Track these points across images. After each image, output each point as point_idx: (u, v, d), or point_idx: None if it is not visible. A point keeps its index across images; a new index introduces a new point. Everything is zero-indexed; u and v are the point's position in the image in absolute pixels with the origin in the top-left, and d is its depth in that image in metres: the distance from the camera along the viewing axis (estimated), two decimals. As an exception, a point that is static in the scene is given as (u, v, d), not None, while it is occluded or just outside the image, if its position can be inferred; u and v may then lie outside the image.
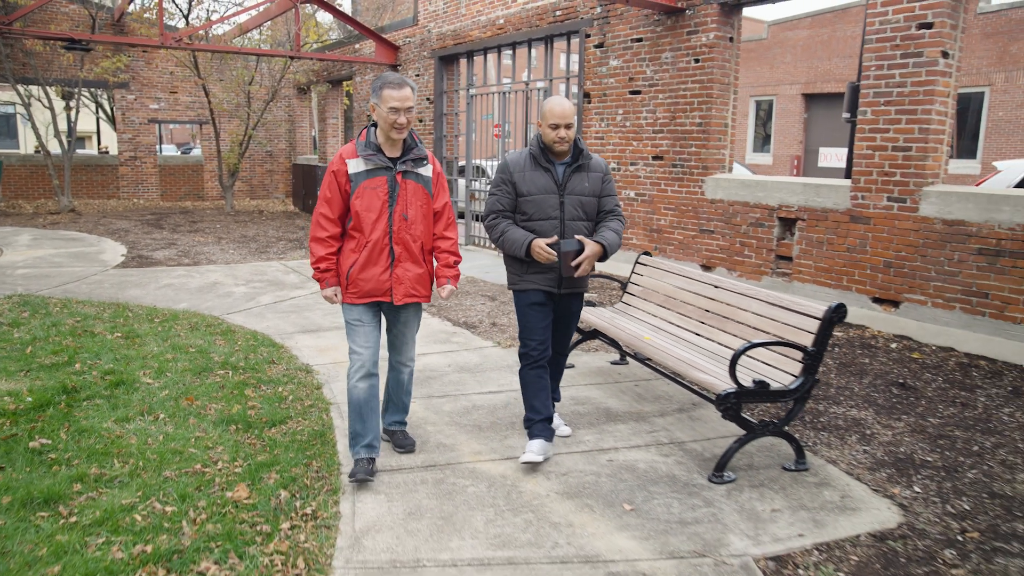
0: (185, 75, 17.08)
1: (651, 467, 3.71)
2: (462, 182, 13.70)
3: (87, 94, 20.91)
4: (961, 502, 3.42)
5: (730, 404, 3.51)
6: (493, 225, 3.72)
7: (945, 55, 5.93)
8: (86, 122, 28.87)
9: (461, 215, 14.32)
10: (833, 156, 21.74)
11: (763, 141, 25.55)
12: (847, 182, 6.65)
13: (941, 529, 3.19)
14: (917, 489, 3.57)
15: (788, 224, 7.13)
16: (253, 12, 13.52)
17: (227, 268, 9.48)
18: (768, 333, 3.84)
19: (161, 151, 21.75)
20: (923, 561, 2.93)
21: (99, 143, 30.06)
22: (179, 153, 27.13)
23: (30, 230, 12.67)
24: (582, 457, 3.80)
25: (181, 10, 14.97)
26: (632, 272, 5.26)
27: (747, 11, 7.89)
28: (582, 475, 3.60)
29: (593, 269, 3.66)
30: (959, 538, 3.11)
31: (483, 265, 9.75)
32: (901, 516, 3.30)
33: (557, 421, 4.00)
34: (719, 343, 4.13)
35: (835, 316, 3.61)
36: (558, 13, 9.30)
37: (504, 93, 10.16)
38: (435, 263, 3.62)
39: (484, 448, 3.88)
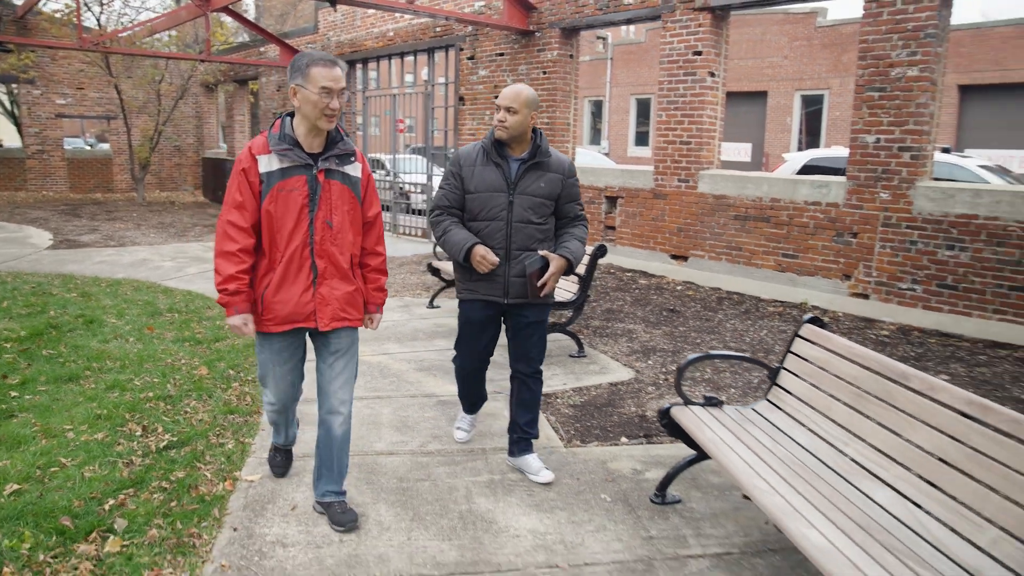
0: (94, 72, 17.87)
1: (480, 355, 5.62)
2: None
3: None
4: (672, 367, 5.49)
5: (526, 309, 5.45)
6: (436, 222, 3.36)
7: (712, 74, 8.11)
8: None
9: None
10: (732, 150, 24.57)
11: (644, 136, 28.15)
12: (651, 168, 8.79)
13: (652, 378, 5.23)
14: (650, 363, 5.61)
15: (612, 201, 9.24)
16: (163, 17, 14.67)
17: (152, 248, 10.83)
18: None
19: (84, 144, 22.14)
20: (634, 393, 4.94)
21: (-7, 137, 29.68)
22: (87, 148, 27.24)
23: (-50, 220, 13.45)
24: (435, 354, 5.66)
25: (93, 12, 15.86)
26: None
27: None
28: (432, 361, 5.46)
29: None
30: (660, 381, 5.15)
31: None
32: (633, 375, 5.32)
33: (537, 464, 3.53)
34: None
35: (598, 252, 5.61)
36: (438, 29, 11.13)
37: (394, 96, 11.89)
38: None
39: (368, 348, 5.68)
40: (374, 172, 13.36)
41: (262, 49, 16.40)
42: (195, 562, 2.71)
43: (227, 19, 16.95)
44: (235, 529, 2.97)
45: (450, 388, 4.84)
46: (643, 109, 27.93)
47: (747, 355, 3.76)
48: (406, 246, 11.21)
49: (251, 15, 21.38)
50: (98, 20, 16.18)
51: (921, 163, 6.43)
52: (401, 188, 12.67)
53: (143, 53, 14.36)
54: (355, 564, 2.77)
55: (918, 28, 6.23)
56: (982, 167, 8.60)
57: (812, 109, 24.56)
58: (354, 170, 2.89)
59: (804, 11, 23.40)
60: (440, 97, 11.59)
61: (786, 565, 2.85)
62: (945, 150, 9.62)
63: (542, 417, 4.41)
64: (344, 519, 2.96)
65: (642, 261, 8.91)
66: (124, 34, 13.88)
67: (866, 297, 6.87)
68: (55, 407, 4.19)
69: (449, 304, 7.29)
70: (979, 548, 2.08)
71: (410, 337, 6.08)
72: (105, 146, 21.20)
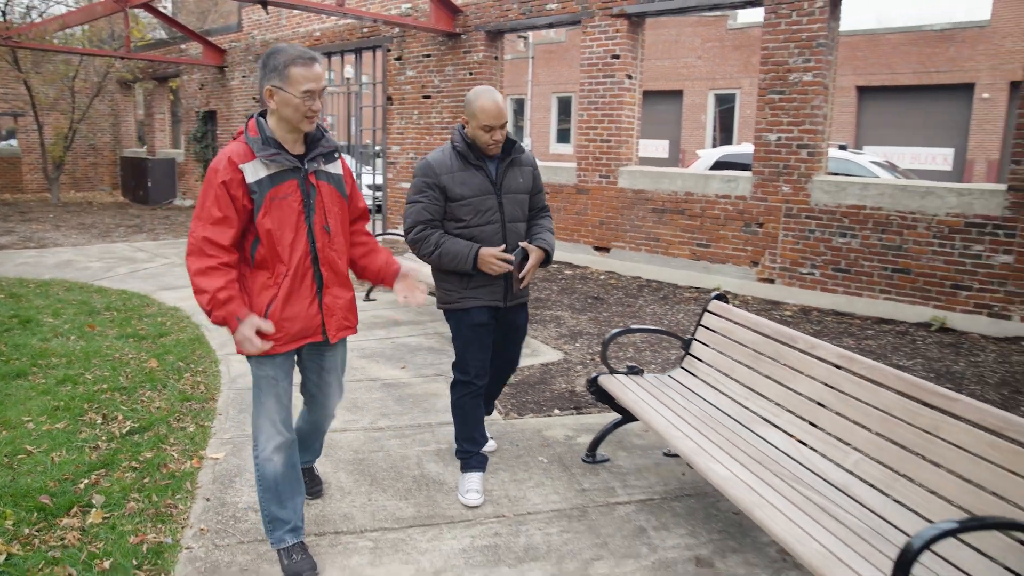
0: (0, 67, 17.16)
1: (419, 344, 5.95)
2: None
3: None
4: (598, 348, 5.95)
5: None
6: (422, 239, 3.17)
7: (629, 77, 8.66)
8: None
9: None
10: (650, 146, 25.44)
11: (566, 133, 28.87)
12: (573, 164, 9.29)
13: (580, 359, 5.68)
14: (577, 345, 6.06)
15: (540, 197, 9.70)
16: (77, 12, 14.27)
17: (76, 249, 10.65)
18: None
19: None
20: (564, 372, 5.38)
21: None
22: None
23: None
24: (376, 342, 5.97)
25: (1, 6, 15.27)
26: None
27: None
28: (373, 349, 5.77)
29: None
30: (587, 360, 5.61)
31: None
32: (562, 356, 5.76)
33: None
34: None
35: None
36: (365, 30, 11.34)
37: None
38: (363, 272, 2.96)
39: (312, 339, 5.93)
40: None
41: (183, 47, 16.14)
42: (175, 528, 2.97)
43: (144, 15, 16.59)
44: (207, 499, 3.24)
45: (394, 372, 5.17)
46: (564, 107, 28.63)
47: (664, 329, 4.24)
48: (338, 243, 11.39)
49: (168, 12, 20.88)
50: (3, 13, 15.58)
51: (817, 159, 7.13)
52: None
53: (60, 49, 13.95)
54: (323, 522, 3.08)
55: (811, 38, 6.91)
56: (874, 163, 9.45)
57: (725, 107, 25.82)
58: (336, 168, 2.74)
59: (716, 14, 24.53)
60: (368, 96, 11.80)
61: (700, 506, 3.33)
62: (842, 147, 10.48)
63: (482, 395, 4.79)
64: (312, 487, 3.24)
65: (567, 253, 9.40)
66: (33, 29, 13.46)
67: (772, 282, 7.54)
68: (8, 402, 4.30)
69: (386, 297, 7.58)
70: (845, 469, 2.59)
71: (351, 328, 6.35)
72: (12, 143, 20.30)
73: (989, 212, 6.13)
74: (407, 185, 11.21)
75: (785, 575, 2.81)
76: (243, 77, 14.32)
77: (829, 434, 2.73)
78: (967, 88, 19.25)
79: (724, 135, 25.78)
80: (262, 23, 13.66)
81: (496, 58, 10.04)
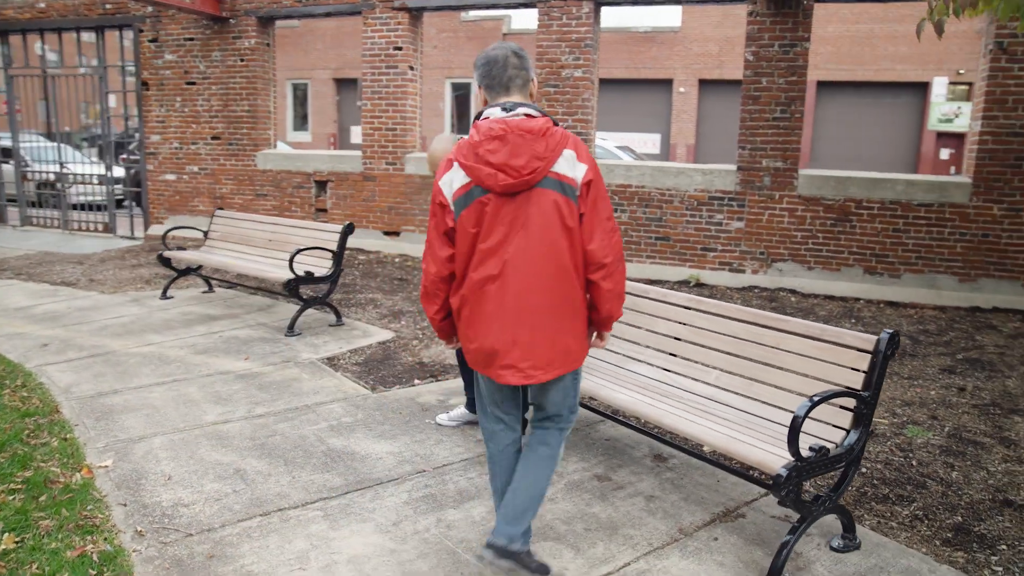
0: None
1: (249, 336, 5.86)
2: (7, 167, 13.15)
3: None
4: (424, 323, 6.34)
5: (291, 286, 5.86)
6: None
7: (411, 68, 9.04)
8: None
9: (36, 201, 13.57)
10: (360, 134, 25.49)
11: (302, 121, 28.11)
12: (359, 152, 9.47)
13: (412, 334, 6.03)
14: (403, 323, 6.40)
15: (322, 185, 9.71)
16: None
17: None
18: (305, 247, 6.29)
19: None
20: (403, 347, 5.70)
21: None
22: None
23: None
24: (202, 338, 5.75)
25: None
26: (210, 225, 7.26)
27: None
28: (206, 344, 5.58)
29: None
30: (420, 336, 5.98)
31: (50, 241, 10.36)
32: (395, 335, 6.06)
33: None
34: (280, 259, 6.47)
35: (347, 230, 6.19)
36: (108, 6, 10.26)
37: (51, 76, 10.64)
38: None
39: (129, 342, 5.55)
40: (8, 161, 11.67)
41: None
42: (109, 536, 2.87)
43: None
44: (124, 505, 3.13)
45: (241, 364, 5.11)
46: (301, 95, 27.88)
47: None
48: (91, 243, 10.26)
49: None
50: None
51: (588, 145, 8.17)
52: (47, 177, 11.24)
53: None
54: (262, 503, 3.17)
55: (579, 39, 7.90)
56: (618, 147, 10.94)
57: (460, 94, 27.08)
58: None
59: (495, 13, 25.54)
60: (117, 81, 10.69)
61: (579, 439, 3.96)
62: None
63: (341, 376, 4.97)
64: None
65: (357, 239, 9.54)
66: None
67: (555, 254, 8.49)
68: None
69: (183, 294, 7.19)
70: (709, 384, 3.37)
71: (165, 327, 6.01)
72: None
73: (726, 188, 7.62)
74: (171, 176, 10.45)
75: (664, 475, 3.55)
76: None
77: (690, 360, 3.50)
78: (667, 83, 22.49)
79: (461, 122, 27.07)
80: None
81: (268, 45, 9.76)
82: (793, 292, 7.54)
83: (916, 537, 3.10)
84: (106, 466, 3.47)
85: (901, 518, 3.25)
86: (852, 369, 2.93)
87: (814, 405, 2.62)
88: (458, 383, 4.84)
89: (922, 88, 20.68)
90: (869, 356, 2.87)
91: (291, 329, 5.93)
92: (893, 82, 20.70)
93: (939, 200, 7.16)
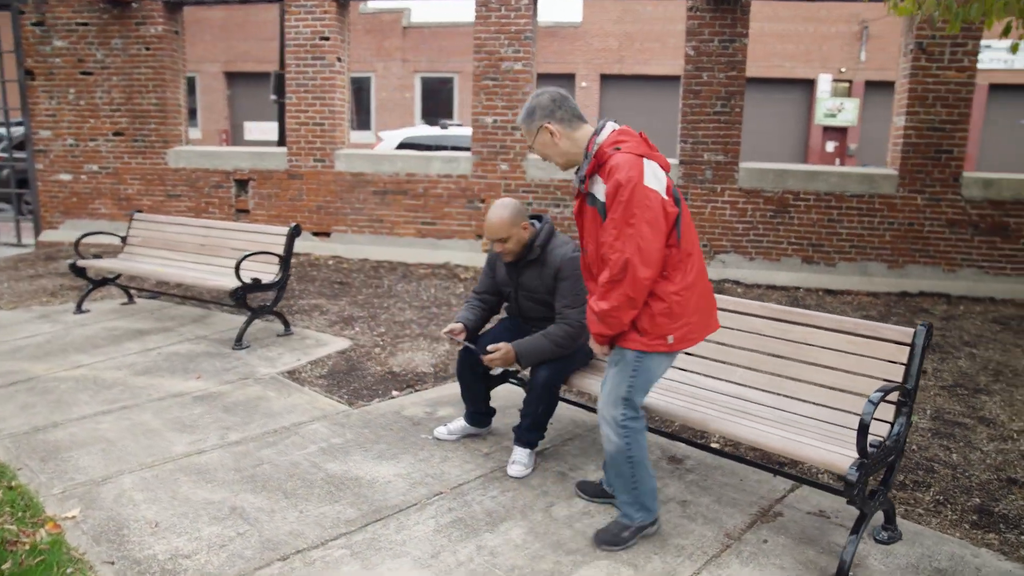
0: None
1: (192, 351, 5.34)
2: None
3: None
4: (381, 329, 6.00)
5: (238, 295, 5.38)
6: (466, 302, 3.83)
7: (339, 59, 8.57)
8: None
9: None
10: (258, 130, 24.20)
11: (190, 116, 26.48)
12: (284, 149, 8.90)
13: (371, 341, 5.68)
14: (357, 330, 6.02)
15: (243, 184, 9.07)
16: None
17: None
18: (251, 251, 5.80)
19: None
20: (366, 356, 5.34)
21: None
22: None
23: None
24: (139, 356, 5.18)
25: None
26: (129, 229, 6.60)
27: None
28: (145, 363, 5.02)
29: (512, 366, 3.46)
30: (380, 342, 5.65)
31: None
32: (352, 343, 5.68)
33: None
34: (217, 265, 5.94)
35: (294, 232, 5.76)
36: (-23, -14, 9.15)
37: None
38: None
39: (53, 365, 4.92)
40: None
41: None
42: (103, 597, 2.46)
43: None
44: (112, 563, 2.69)
45: (194, 384, 4.63)
46: (188, 90, 26.24)
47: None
48: (-29, 252, 9.15)
49: None
50: None
51: (527, 140, 8.01)
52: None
53: None
54: (276, 546, 2.82)
55: (519, 31, 7.72)
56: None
57: (357, 88, 26.27)
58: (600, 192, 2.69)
59: None
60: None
61: (587, 444, 3.80)
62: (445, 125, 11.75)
63: (310, 391, 4.59)
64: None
65: (283, 242, 9.00)
66: None
67: (497, 252, 8.30)
68: None
69: (100, 306, 6.50)
70: (735, 383, 3.29)
71: (91, 346, 5.38)
72: None
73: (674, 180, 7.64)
74: (66, 176, 9.45)
75: (687, 478, 3.45)
76: None
77: (718, 361, 3.41)
78: (570, 77, 22.67)
79: (361, 117, 26.30)
80: None
81: (177, 32, 8.98)
82: (737, 283, 7.69)
83: (946, 522, 3.14)
84: (74, 516, 2.99)
85: (925, 504, 3.29)
86: (890, 362, 2.92)
87: (878, 403, 2.57)
88: (439, 393, 4.58)
89: (809, 85, 21.86)
90: (908, 348, 2.87)
91: (239, 342, 5.45)
92: (783, 78, 21.75)
93: (869, 191, 7.49)
